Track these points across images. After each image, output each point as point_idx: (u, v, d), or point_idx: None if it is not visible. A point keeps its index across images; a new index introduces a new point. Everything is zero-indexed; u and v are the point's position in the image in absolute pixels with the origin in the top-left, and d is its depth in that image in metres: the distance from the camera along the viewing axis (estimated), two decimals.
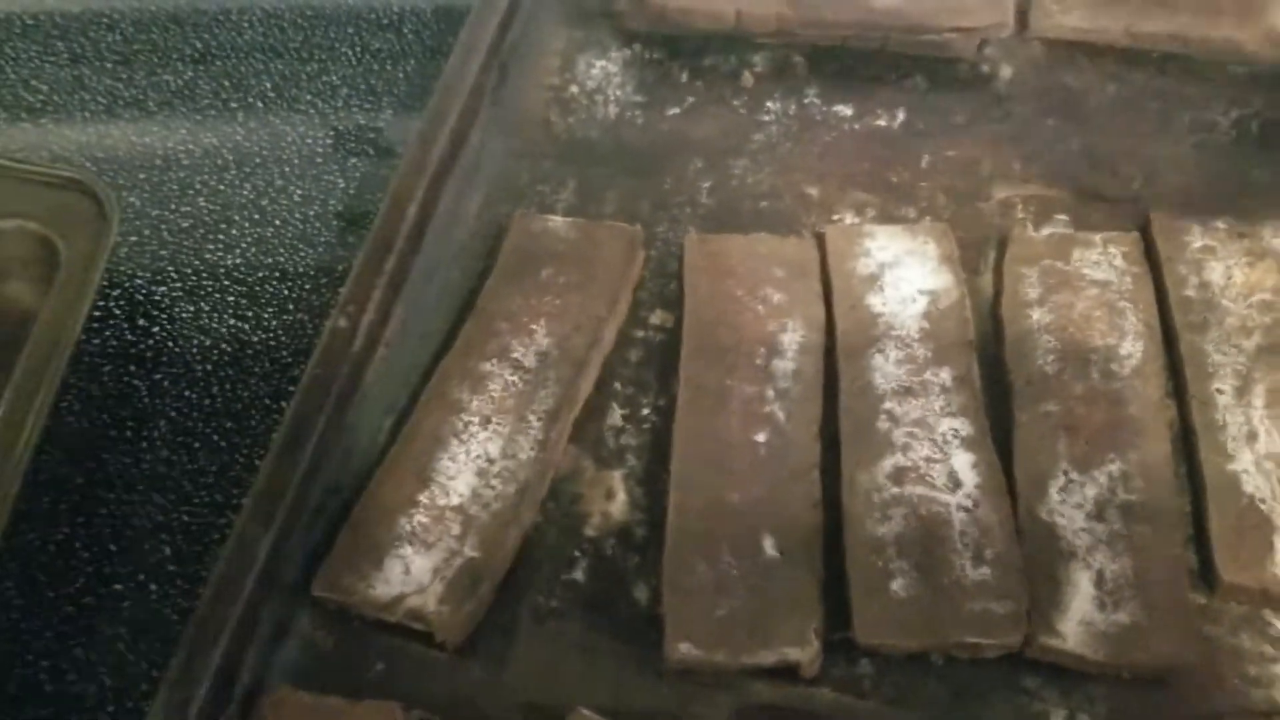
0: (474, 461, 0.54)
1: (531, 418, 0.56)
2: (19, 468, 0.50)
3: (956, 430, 0.55)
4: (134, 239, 0.64)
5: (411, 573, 0.50)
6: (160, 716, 0.45)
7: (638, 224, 0.64)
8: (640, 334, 0.60)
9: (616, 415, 0.57)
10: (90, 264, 0.56)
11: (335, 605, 0.50)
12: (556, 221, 0.63)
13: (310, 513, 0.51)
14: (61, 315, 0.55)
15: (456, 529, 0.52)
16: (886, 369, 0.57)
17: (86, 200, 0.59)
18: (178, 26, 0.73)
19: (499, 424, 0.55)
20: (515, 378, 0.57)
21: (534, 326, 0.59)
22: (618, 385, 0.58)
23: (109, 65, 0.71)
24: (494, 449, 0.54)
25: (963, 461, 0.54)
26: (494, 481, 0.53)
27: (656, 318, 0.61)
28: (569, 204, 0.65)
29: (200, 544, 0.54)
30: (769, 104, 0.69)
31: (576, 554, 0.53)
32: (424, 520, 0.52)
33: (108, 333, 0.60)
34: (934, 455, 0.54)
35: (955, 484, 0.53)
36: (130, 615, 0.52)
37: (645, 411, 0.57)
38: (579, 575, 0.52)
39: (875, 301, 0.59)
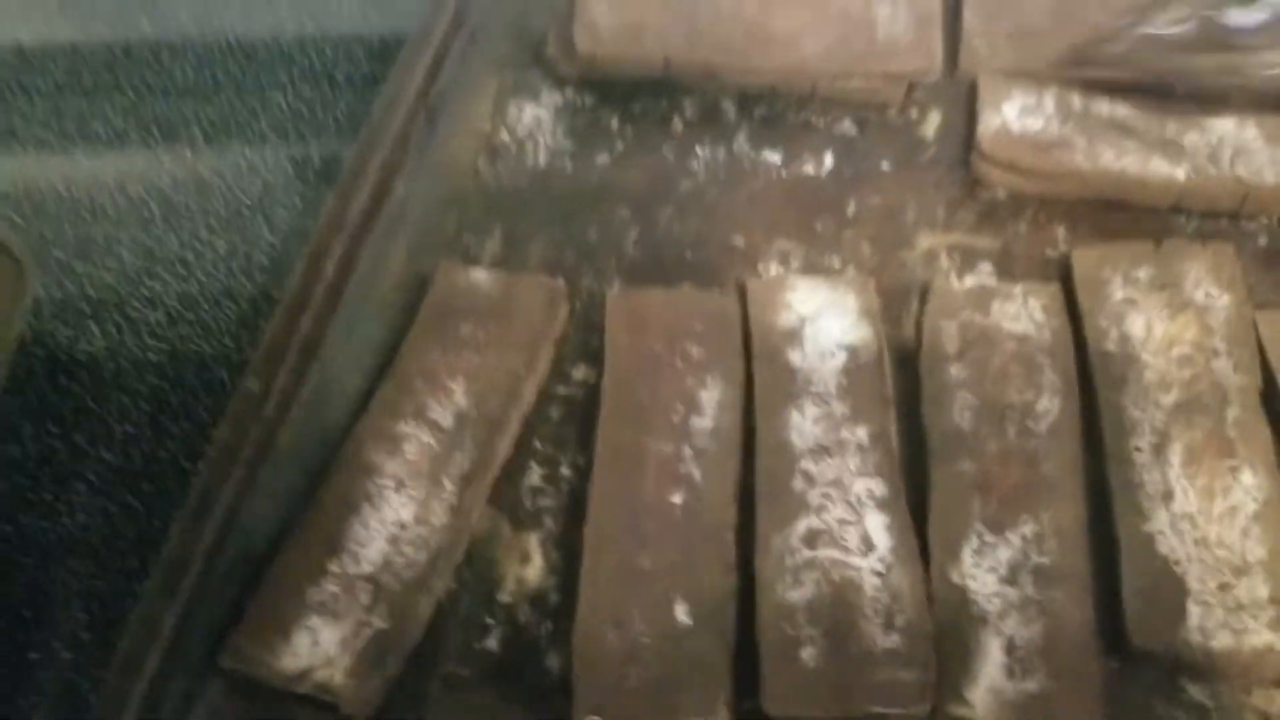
0: (386, 527, 0.54)
1: (446, 481, 0.55)
2: None
3: (871, 491, 0.55)
4: (58, 294, 0.63)
5: (320, 644, 0.50)
6: None
7: (561, 276, 0.63)
8: (563, 390, 0.60)
9: (535, 475, 0.57)
10: (6, 324, 0.56)
11: (243, 676, 0.50)
12: (480, 274, 0.63)
13: (219, 580, 0.51)
14: None
15: (366, 599, 0.51)
16: (804, 427, 0.57)
17: (4, 259, 0.59)
18: (110, 70, 0.73)
19: (413, 488, 0.55)
20: (431, 439, 0.57)
21: (452, 385, 0.58)
22: (538, 443, 0.58)
23: (37, 108, 0.71)
24: (407, 514, 0.54)
25: (876, 523, 0.54)
26: (406, 549, 0.53)
27: (579, 373, 0.61)
28: (494, 254, 0.65)
29: (116, 612, 0.53)
30: (698, 149, 0.68)
31: (490, 621, 0.53)
32: (333, 589, 0.52)
33: (29, 391, 0.60)
34: (848, 517, 0.54)
35: (868, 547, 0.53)
36: (45, 685, 0.52)
37: (565, 471, 0.57)
38: (492, 644, 0.52)
39: (794, 356, 0.59)
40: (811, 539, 0.54)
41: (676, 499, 0.55)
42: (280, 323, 0.57)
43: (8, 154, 0.70)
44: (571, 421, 0.59)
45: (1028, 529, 0.54)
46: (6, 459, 0.57)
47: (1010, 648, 0.51)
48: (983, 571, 0.53)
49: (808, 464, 0.56)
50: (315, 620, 0.51)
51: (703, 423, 0.57)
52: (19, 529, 0.56)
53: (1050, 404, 0.57)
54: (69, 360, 0.61)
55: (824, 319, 0.60)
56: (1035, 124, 0.66)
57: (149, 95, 0.72)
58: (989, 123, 0.66)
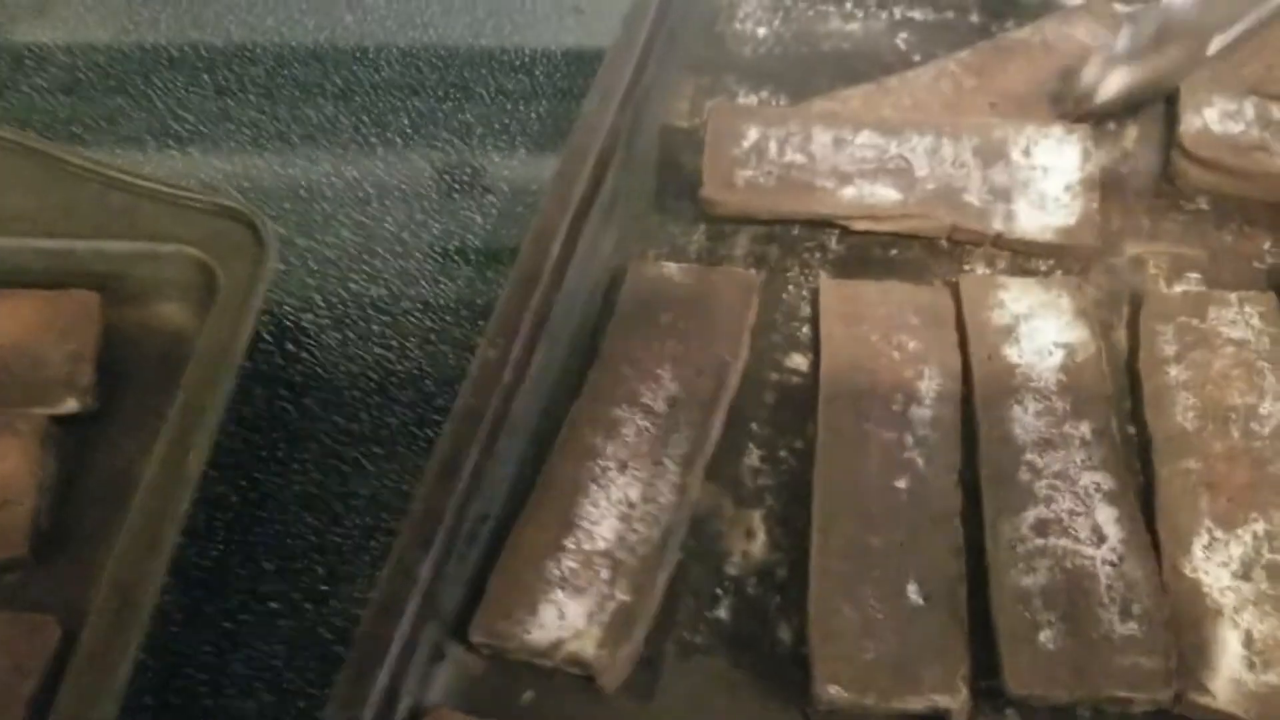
0: (615, 506, 0.55)
1: (668, 461, 0.56)
2: (189, 486, 0.51)
3: (1099, 484, 0.55)
4: (281, 267, 0.65)
5: (566, 617, 0.51)
6: None
7: (766, 268, 0.65)
8: (775, 376, 0.61)
9: (754, 456, 0.58)
10: (250, 290, 0.58)
11: (491, 651, 0.51)
12: (671, 267, 0.64)
13: (464, 539, 0.53)
14: (224, 339, 0.57)
15: (606, 573, 0.52)
16: (1025, 420, 0.57)
17: (242, 229, 0.61)
18: (318, 63, 0.76)
19: (636, 469, 0.56)
20: (646, 422, 0.58)
21: (659, 371, 0.60)
22: (754, 426, 0.59)
23: (253, 98, 0.74)
24: (634, 494, 0.55)
25: (1106, 516, 0.54)
26: (637, 526, 0.54)
27: (791, 361, 0.62)
28: (700, 246, 0.66)
29: (351, 565, 0.55)
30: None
31: (719, 592, 0.54)
32: (572, 565, 0.53)
33: (259, 356, 0.61)
34: (1076, 508, 0.54)
35: (1099, 538, 0.54)
36: (286, 633, 0.53)
37: (783, 453, 0.58)
38: (723, 613, 0.53)
39: (1011, 353, 0.60)
40: (1041, 528, 0.54)
41: (900, 483, 0.56)
42: (513, 296, 0.59)
43: (233, 142, 0.72)
44: (786, 407, 0.60)
45: (1258, 526, 0.54)
46: (241, 419, 0.59)
47: (1248, 640, 0.51)
48: (1215, 566, 0.53)
49: (1032, 456, 0.56)
50: (559, 594, 0.52)
51: (922, 412, 0.58)
52: (256, 485, 0.58)
53: (1273, 408, 0.57)
54: (296, 328, 0.63)
55: (1039, 319, 0.61)
56: (1236, 127, 0.67)
57: (358, 89, 0.75)
58: (1191, 123, 0.67)
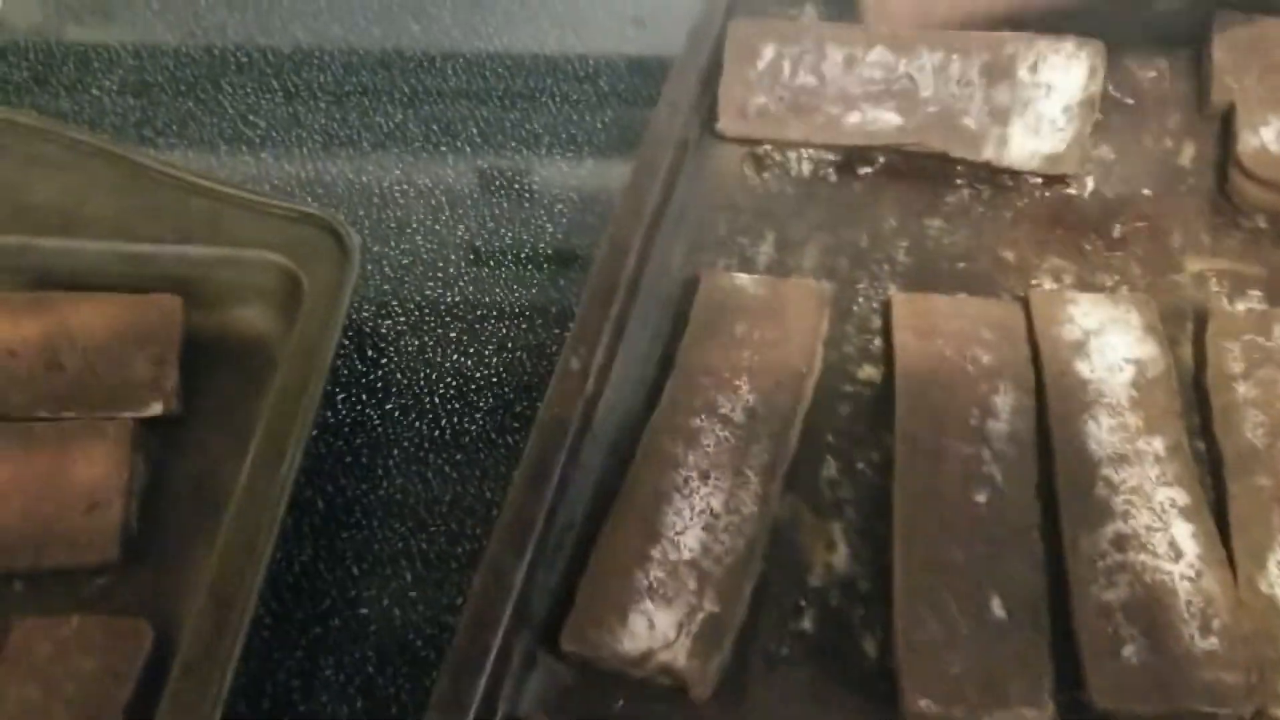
0: (699, 516, 0.55)
1: (749, 472, 0.57)
2: (284, 494, 0.52)
3: (1174, 500, 0.56)
4: (359, 271, 0.66)
5: (656, 627, 0.52)
6: None
7: (836, 280, 0.66)
8: (849, 389, 0.62)
9: (832, 468, 0.59)
10: (336, 297, 0.59)
11: (582, 659, 0.52)
12: (743, 278, 0.65)
13: (552, 547, 0.53)
14: (310, 345, 0.57)
15: (693, 584, 0.53)
16: (1100, 435, 0.58)
17: (325, 235, 0.62)
18: (385, 70, 0.76)
19: (718, 479, 0.57)
20: (726, 433, 0.58)
21: (737, 382, 0.60)
22: (830, 438, 0.60)
23: (322, 104, 0.74)
24: (717, 504, 0.56)
25: (1183, 531, 0.55)
26: (722, 536, 0.55)
27: (864, 373, 0.62)
28: (769, 257, 0.67)
29: (439, 571, 0.56)
30: (959, 165, 0.71)
31: (803, 603, 0.54)
32: (660, 575, 0.53)
33: (339, 362, 0.62)
34: (1153, 524, 0.55)
35: (1177, 554, 0.54)
36: (376, 639, 0.54)
37: (860, 465, 0.59)
38: (807, 625, 0.54)
39: (1083, 367, 0.61)
40: (1120, 543, 0.55)
41: (980, 498, 0.56)
42: (591, 307, 0.59)
43: (304, 147, 0.73)
44: (861, 419, 0.60)
45: None
46: (325, 425, 0.60)
47: None
48: None
49: (1108, 471, 0.57)
50: (648, 604, 0.52)
51: (999, 426, 0.59)
52: (342, 491, 0.59)
53: None
54: (374, 334, 0.64)
55: (1109, 334, 0.62)
56: None
57: (425, 98, 0.75)
58: (1249, 142, 0.68)
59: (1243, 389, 0.61)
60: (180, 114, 0.74)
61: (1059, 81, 0.69)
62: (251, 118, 0.74)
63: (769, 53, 0.71)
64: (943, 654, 0.52)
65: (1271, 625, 0.53)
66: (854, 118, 0.70)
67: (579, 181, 0.72)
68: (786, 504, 0.57)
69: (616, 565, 0.54)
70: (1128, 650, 0.52)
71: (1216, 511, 0.57)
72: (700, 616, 0.53)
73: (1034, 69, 0.69)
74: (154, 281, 0.61)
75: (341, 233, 0.60)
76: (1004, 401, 0.60)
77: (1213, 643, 0.52)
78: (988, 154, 0.69)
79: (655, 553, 0.55)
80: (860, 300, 0.65)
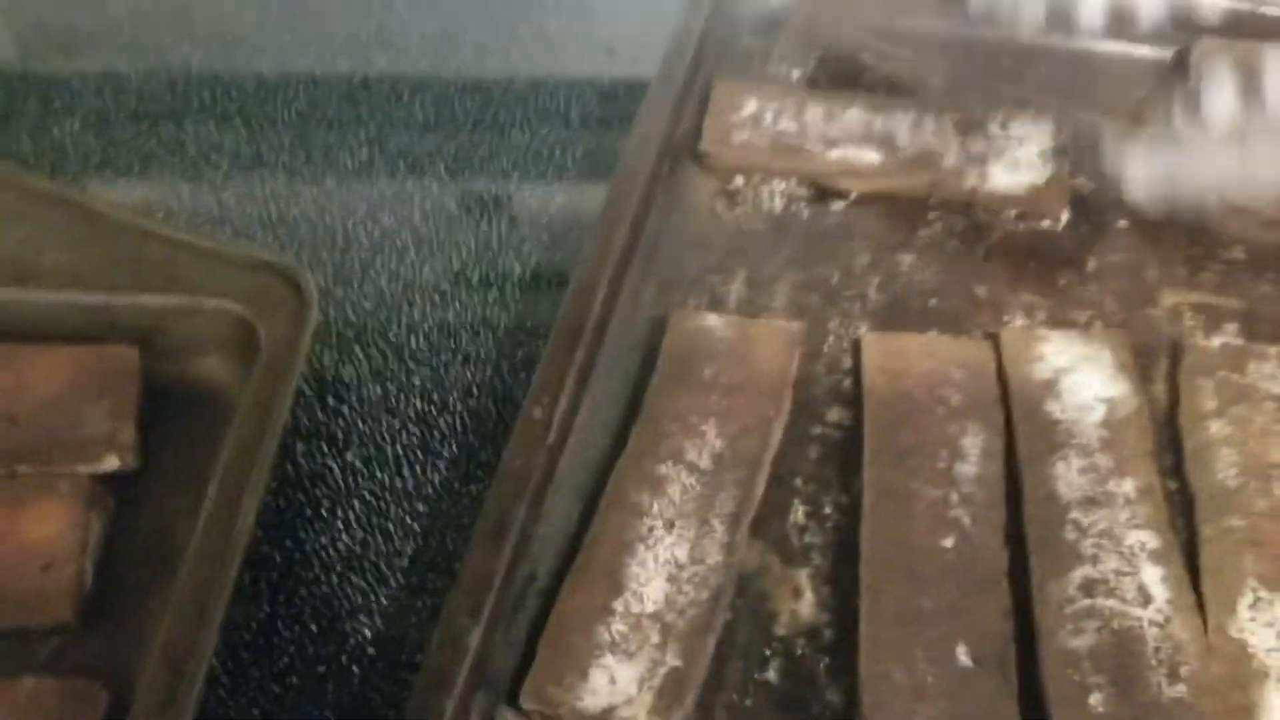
0: (663, 567, 0.55)
1: (714, 521, 0.56)
2: (238, 552, 0.51)
3: (1144, 543, 0.55)
4: (320, 318, 0.65)
5: (618, 683, 0.51)
6: None
7: (806, 319, 0.65)
8: (818, 430, 0.61)
9: (800, 513, 0.58)
10: (293, 348, 0.58)
11: (543, 716, 0.51)
12: (713, 319, 0.64)
13: (512, 602, 0.53)
14: (267, 397, 0.56)
15: (656, 637, 0.52)
16: (1070, 478, 0.57)
17: (283, 283, 0.61)
18: (351, 105, 0.75)
19: (682, 528, 0.56)
20: (692, 480, 0.58)
21: (704, 427, 0.59)
22: (799, 482, 0.59)
23: (286, 141, 0.74)
24: (681, 554, 0.55)
25: (1152, 575, 0.54)
26: (686, 588, 0.54)
27: (833, 414, 0.61)
28: (740, 295, 0.66)
29: (399, 629, 0.55)
30: (932, 199, 0.70)
31: (767, 653, 0.54)
32: (622, 629, 0.52)
33: (300, 412, 0.61)
34: (1123, 568, 0.54)
35: (1146, 599, 0.53)
36: (334, 698, 0.53)
37: (828, 510, 0.58)
38: (771, 675, 0.53)
39: (1054, 407, 0.60)
40: (1089, 588, 0.54)
41: (948, 543, 0.56)
42: (556, 353, 0.59)
43: (267, 188, 0.72)
44: (830, 462, 0.60)
45: None
46: (284, 477, 0.59)
47: None
48: (1260, 626, 0.53)
49: (1077, 514, 0.56)
50: (609, 659, 0.52)
51: (967, 469, 0.58)
52: (300, 544, 0.58)
53: None
54: (335, 381, 0.63)
55: (1081, 372, 0.61)
56: None
57: (391, 132, 0.74)
58: None
59: (1215, 427, 0.60)
60: (143, 152, 0.74)
61: (1030, 134, 0.72)
62: (214, 155, 0.73)
63: (751, 105, 0.73)
64: (909, 703, 0.51)
65: (1241, 671, 0.52)
66: (836, 153, 0.71)
67: (549, 216, 0.71)
68: (753, 551, 0.56)
69: (577, 619, 0.53)
70: (1094, 698, 0.51)
71: (1188, 553, 0.56)
72: (663, 671, 0.52)
73: (1004, 125, 0.72)
74: (110, 331, 0.60)
75: (300, 281, 0.60)
76: (973, 443, 0.59)
77: (1180, 690, 0.51)
78: (971, 183, 0.70)
79: (618, 605, 0.54)
80: (831, 339, 0.65)
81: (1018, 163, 0.70)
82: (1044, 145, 0.71)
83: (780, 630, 0.54)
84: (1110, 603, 0.54)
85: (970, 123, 0.72)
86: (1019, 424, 0.60)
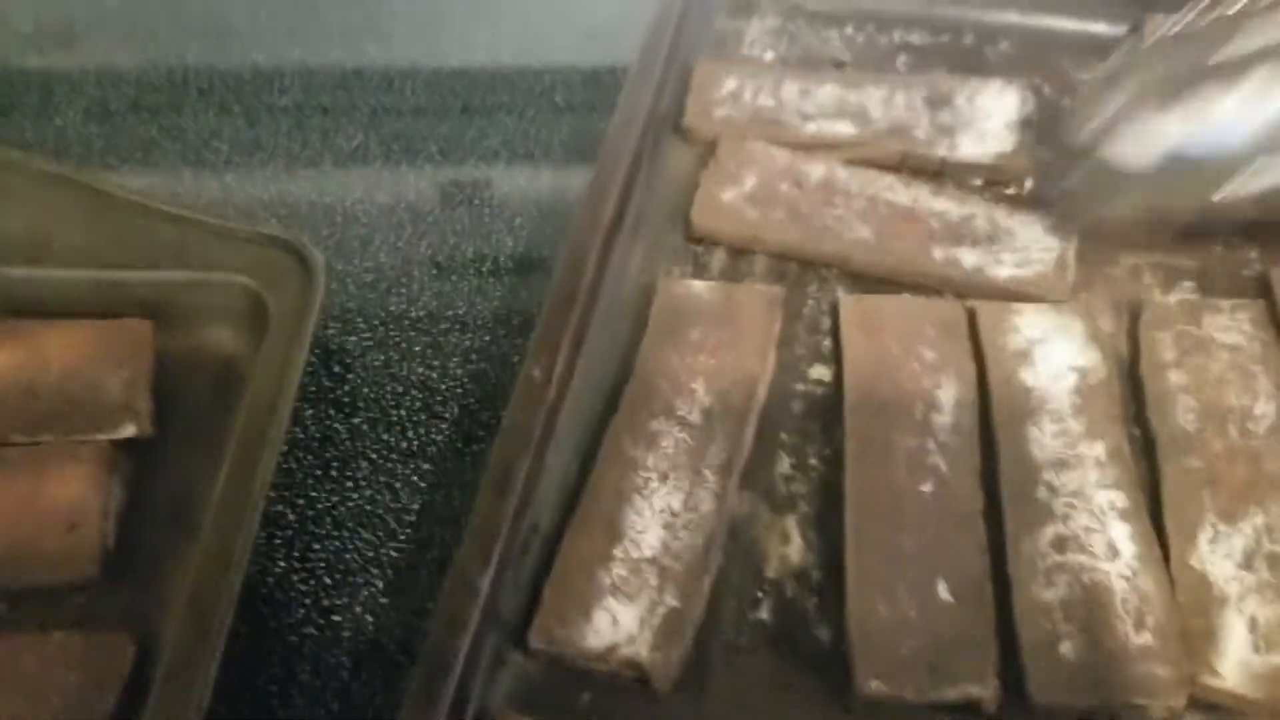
0: (659, 515, 0.58)
1: (706, 471, 0.60)
2: (257, 507, 0.54)
3: (1113, 502, 0.58)
4: (323, 292, 0.68)
5: (620, 623, 0.54)
6: None
7: (786, 284, 0.69)
8: (801, 387, 0.64)
9: (785, 464, 0.61)
10: (301, 318, 0.61)
11: (549, 656, 0.54)
12: (699, 285, 0.68)
13: (518, 550, 0.56)
14: (278, 364, 0.59)
15: (654, 580, 0.56)
16: (1043, 441, 0.61)
17: (289, 256, 0.63)
18: (345, 91, 0.78)
19: (676, 479, 0.59)
20: (683, 434, 0.61)
21: (693, 385, 0.63)
22: (784, 435, 0.62)
23: (284, 126, 0.76)
24: (676, 503, 0.58)
25: (1120, 532, 0.58)
26: (681, 534, 0.57)
27: (815, 372, 0.65)
28: (722, 264, 0.70)
29: (409, 578, 0.58)
30: (904, 169, 0.74)
31: (760, 594, 0.57)
32: (622, 573, 0.56)
33: (307, 379, 0.64)
34: (1093, 525, 0.58)
35: (1114, 554, 0.57)
36: (350, 645, 0.56)
37: (813, 461, 0.61)
38: (764, 614, 0.56)
39: (1028, 375, 0.63)
40: (1060, 544, 0.57)
41: (926, 488, 0.59)
42: (551, 317, 0.62)
43: (266, 170, 0.75)
44: (813, 416, 0.63)
45: (1258, 520, 0.58)
46: (294, 440, 0.61)
47: (1253, 626, 0.55)
48: (1219, 557, 0.57)
49: (1050, 475, 0.60)
50: (611, 601, 0.55)
51: (943, 419, 0.62)
52: (312, 503, 0.61)
53: (1267, 408, 0.61)
54: (340, 350, 0.66)
55: (1052, 342, 0.65)
56: None
57: (385, 117, 0.77)
58: None
59: (1174, 376, 0.64)
60: (144, 140, 0.76)
61: (994, 108, 0.76)
62: (214, 142, 0.76)
63: (731, 82, 0.77)
64: (893, 638, 0.54)
65: (1201, 597, 0.56)
66: (811, 127, 0.75)
67: (537, 194, 0.74)
68: (743, 500, 0.60)
69: (580, 565, 0.56)
70: (1065, 647, 0.54)
71: (1151, 492, 0.60)
72: (662, 611, 0.55)
73: (970, 100, 0.76)
74: (124, 306, 0.63)
75: (305, 253, 0.62)
76: (947, 395, 0.63)
77: (1146, 638, 0.54)
78: (942, 153, 0.74)
79: (617, 552, 0.57)
80: (810, 303, 0.68)
81: (985, 133, 0.74)
82: (1009, 117, 0.75)
83: (771, 573, 0.58)
84: (1081, 558, 0.57)
85: (939, 97, 0.76)
86: (995, 391, 0.63)
